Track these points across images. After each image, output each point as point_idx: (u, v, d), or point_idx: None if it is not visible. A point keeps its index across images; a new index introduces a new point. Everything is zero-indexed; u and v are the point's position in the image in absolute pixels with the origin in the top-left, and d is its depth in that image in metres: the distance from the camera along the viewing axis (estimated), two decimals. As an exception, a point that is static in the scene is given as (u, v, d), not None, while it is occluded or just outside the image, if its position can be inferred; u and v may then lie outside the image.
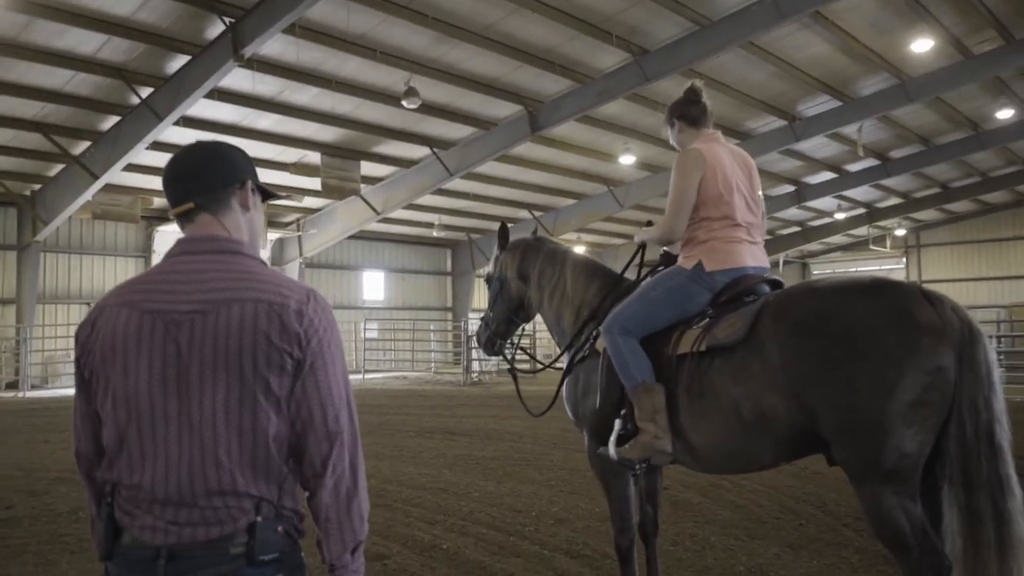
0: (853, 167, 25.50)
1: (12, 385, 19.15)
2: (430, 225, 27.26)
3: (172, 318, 1.68)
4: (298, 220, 24.60)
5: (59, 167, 17.91)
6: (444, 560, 5.00)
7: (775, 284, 3.59)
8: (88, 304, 22.43)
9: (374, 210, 22.21)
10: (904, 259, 37.05)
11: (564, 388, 4.05)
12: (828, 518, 5.91)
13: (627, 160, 20.80)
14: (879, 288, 2.94)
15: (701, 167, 3.55)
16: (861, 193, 29.05)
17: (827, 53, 16.45)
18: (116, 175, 17.00)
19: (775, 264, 34.59)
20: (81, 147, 16.82)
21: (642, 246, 4.12)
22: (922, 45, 15.48)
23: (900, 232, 35.50)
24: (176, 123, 15.17)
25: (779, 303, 3.14)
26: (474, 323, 18.74)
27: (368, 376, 22.59)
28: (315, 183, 19.48)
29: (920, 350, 2.73)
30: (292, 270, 24.82)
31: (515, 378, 4.68)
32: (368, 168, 20.37)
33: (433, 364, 26.48)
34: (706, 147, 3.65)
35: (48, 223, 18.61)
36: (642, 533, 4.08)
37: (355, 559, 1.75)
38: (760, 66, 16.68)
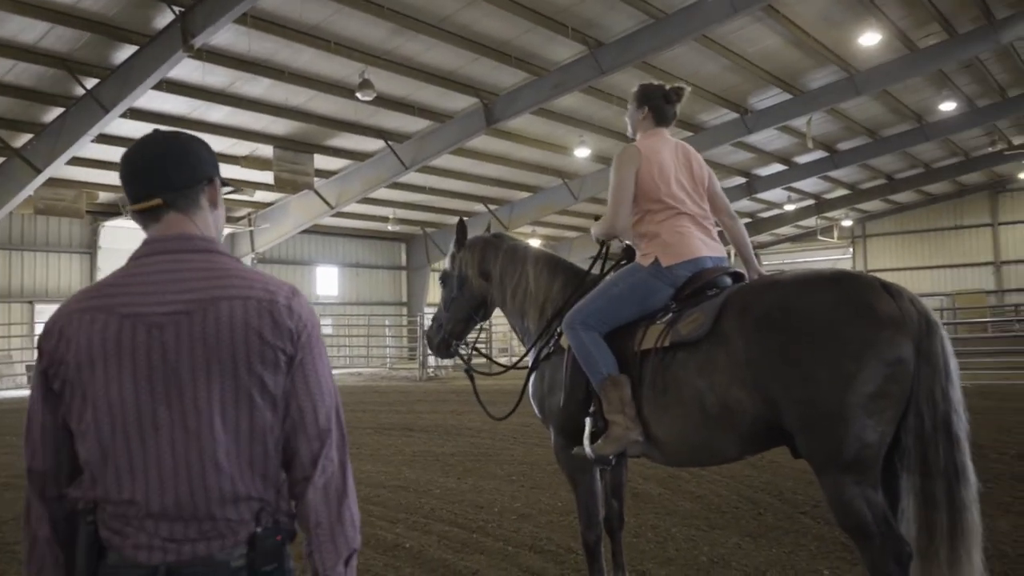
0: (802, 159, 26.00)
1: (-49, 386, 18.55)
2: (385, 219, 27.04)
3: (154, 320, 1.59)
4: (250, 215, 24.18)
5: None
6: (408, 559, 4.96)
7: (736, 276, 3.63)
8: (30, 303, 21.80)
9: (328, 204, 21.95)
10: (851, 249, 37.92)
11: (530, 385, 4.03)
12: (786, 507, 6.01)
13: (582, 153, 20.89)
14: (839, 281, 2.98)
15: (635, 161, 3.64)
16: (810, 185, 29.65)
17: (778, 47, 16.72)
18: (60, 169, 16.45)
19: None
20: (23, 140, 16.25)
21: (603, 242, 4.11)
22: (870, 39, 15.83)
23: (847, 223, 36.32)
24: (123, 115, 14.76)
25: (742, 297, 3.16)
26: (430, 318, 18.62)
27: (324, 371, 22.28)
28: (267, 177, 19.12)
29: (880, 342, 2.76)
30: (244, 265, 24.39)
31: (472, 379, 4.51)
32: (322, 161, 20.10)
33: (388, 360, 26.32)
34: (644, 143, 3.74)
35: (-12, 219, 18.01)
36: (608, 527, 4.10)
37: (348, 570, 1.67)
38: (713, 59, 16.88)
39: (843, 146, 25.17)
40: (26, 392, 18.81)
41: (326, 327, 26.31)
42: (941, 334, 2.84)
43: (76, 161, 17.11)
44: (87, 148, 16.03)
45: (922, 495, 2.74)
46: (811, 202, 32.85)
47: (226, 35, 13.39)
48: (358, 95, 15.30)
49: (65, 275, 22.60)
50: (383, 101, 16.72)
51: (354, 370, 24.03)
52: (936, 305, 27.34)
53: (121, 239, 23.22)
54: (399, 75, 15.91)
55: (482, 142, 20.10)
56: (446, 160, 20.93)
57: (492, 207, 26.24)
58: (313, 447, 1.67)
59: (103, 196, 21.64)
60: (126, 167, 1.75)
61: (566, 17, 14.51)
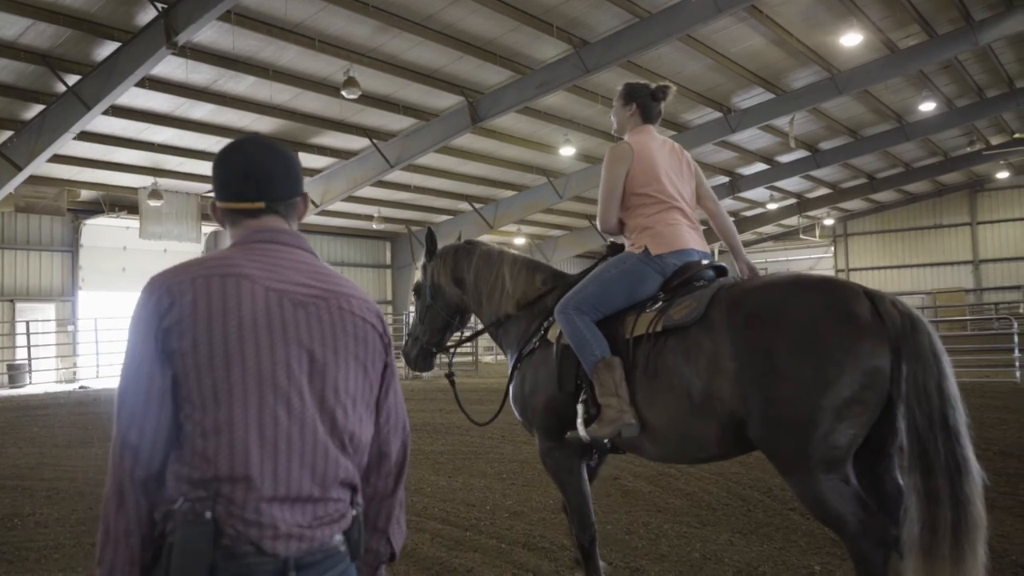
0: (785, 158, 26.20)
1: (-70, 386, 18.30)
2: (370, 218, 26.95)
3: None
4: (233, 212, 23.99)
5: (-21, 158, 17.12)
6: (402, 557, 4.96)
7: (720, 271, 3.71)
8: (11, 301, 21.53)
9: (312, 202, 21.77)
10: (832, 248, 38.23)
11: (511, 389, 4.00)
12: (775, 503, 6.07)
13: (567, 151, 20.92)
14: (826, 287, 3.04)
15: (628, 159, 3.73)
16: (792, 184, 29.87)
17: (761, 46, 16.84)
18: (41, 166, 16.28)
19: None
20: (3, 137, 16.05)
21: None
22: (851, 39, 15.97)
23: (828, 222, 36.63)
24: (105, 112, 14.64)
25: (735, 291, 3.22)
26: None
27: (308, 370, 22.21)
28: (251, 175, 19.00)
29: (861, 351, 2.82)
30: (227, 263, 24.21)
31: (453, 385, 4.47)
32: (306, 159, 20.00)
33: (374, 357, 26.22)
34: (635, 139, 3.82)
35: (-33, 217, 17.78)
36: None
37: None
38: (697, 58, 16.97)
39: (825, 145, 25.39)
40: (7, 392, 18.58)
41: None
42: (928, 331, 2.87)
43: (57, 159, 16.96)
44: (69, 145, 15.88)
45: (924, 491, 2.73)
46: (793, 201, 33.10)
47: (210, 32, 13.30)
48: (343, 93, 15.24)
49: (47, 273, 22.34)
50: (368, 99, 16.67)
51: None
52: (916, 303, 27.62)
53: (103, 237, 23.03)
54: (384, 73, 15.87)
55: (467, 140, 20.09)
56: (431, 158, 20.91)
57: (477, 206, 26.23)
58: (400, 454, 1.83)
59: (85, 194, 21.45)
60: (235, 166, 1.80)
61: (551, 16, 14.54)
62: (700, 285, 3.49)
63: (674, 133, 21.19)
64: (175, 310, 1.53)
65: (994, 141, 27.30)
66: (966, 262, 34.66)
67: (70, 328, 22.45)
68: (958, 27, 16.75)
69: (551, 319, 3.84)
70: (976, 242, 34.58)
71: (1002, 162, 29.44)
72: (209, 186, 21.27)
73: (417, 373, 21.39)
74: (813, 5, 15.06)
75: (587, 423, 3.55)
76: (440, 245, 4.58)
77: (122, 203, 21.95)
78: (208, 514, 1.46)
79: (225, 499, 1.48)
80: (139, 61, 12.94)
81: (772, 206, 32.52)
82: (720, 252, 36.98)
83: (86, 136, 15.72)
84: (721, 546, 5.03)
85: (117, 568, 1.51)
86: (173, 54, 12.94)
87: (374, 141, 19.38)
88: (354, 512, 1.64)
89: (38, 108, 15.15)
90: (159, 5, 12.29)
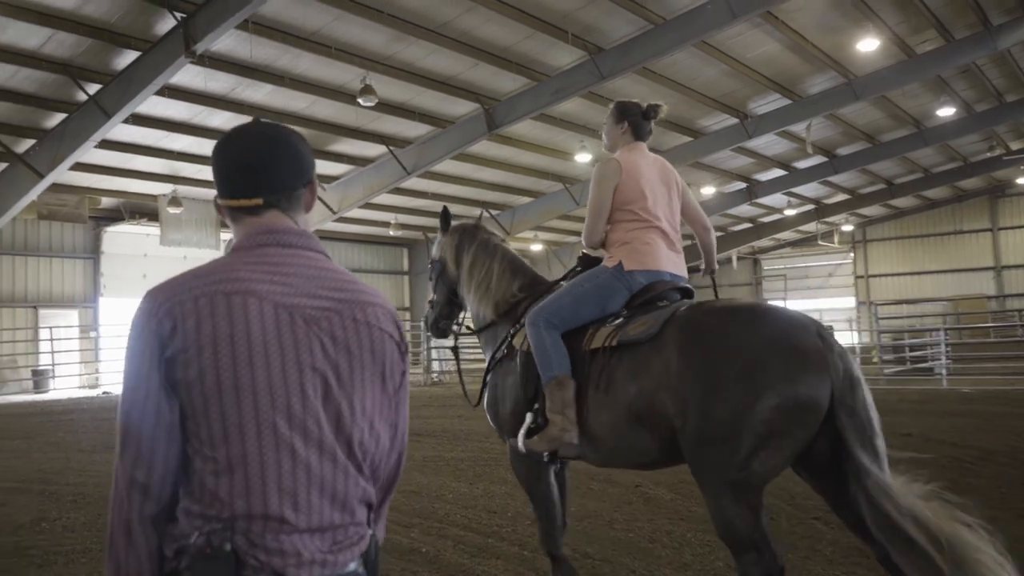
0: (802, 164, 26.03)
1: (-46, 392, 18.50)
2: (387, 224, 27.06)
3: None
4: (251, 220, 24.15)
5: (2, 166, 17.28)
6: (425, 564, 4.97)
7: (686, 292, 3.79)
8: (34, 308, 21.76)
9: (330, 209, 21.94)
10: (851, 254, 37.94)
11: (485, 396, 4.12)
12: (797, 512, 6.02)
13: (583, 158, 20.90)
14: (781, 319, 3.09)
15: (616, 176, 3.81)
16: (810, 190, 29.68)
17: (777, 52, 16.76)
18: (62, 174, 16.49)
19: (727, 260, 35.17)
20: (25, 145, 16.27)
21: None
22: (868, 45, 15.86)
23: (847, 228, 36.34)
24: (125, 120, 14.79)
25: (691, 312, 3.28)
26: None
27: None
28: (269, 182, 19.13)
29: (800, 385, 2.86)
30: (245, 270, 24.41)
31: (457, 358, 4.67)
32: (323, 167, 20.11)
33: (390, 364, 26.28)
34: (624, 157, 3.89)
35: (-9, 224, 17.98)
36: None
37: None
38: (712, 64, 16.92)
39: (843, 151, 25.22)
40: (32, 397, 18.77)
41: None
42: (863, 390, 2.95)
43: (79, 166, 17.15)
44: (90, 153, 16.06)
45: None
46: (811, 207, 32.88)
47: (227, 41, 13.42)
48: (359, 100, 15.33)
49: (69, 280, 22.59)
50: (384, 106, 16.74)
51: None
52: (938, 310, 27.36)
53: (124, 244, 23.27)
54: (400, 80, 15.94)
55: (483, 147, 20.13)
56: (448, 165, 20.96)
57: (494, 212, 26.26)
58: (394, 468, 1.74)
59: (106, 201, 21.66)
60: (230, 159, 1.63)
61: (566, 23, 14.55)
62: (662, 305, 3.57)
63: (690, 139, 21.15)
64: (178, 337, 1.42)
65: (1014, 146, 27.01)
66: (987, 268, 34.26)
67: (92, 334, 22.69)
68: (976, 32, 16.59)
69: (519, 325, 3.93)
70: (997, 248, 34.17)
71: (1022, 167, 29.13)
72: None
73: (436, 380, 21.45)
74: (829, 11, 14.98)
75: (529, 434, 3.65)
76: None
77: (142, 210, 22.17)
78: (228, 546, 1.39)
79: (243, 529, 1.41)
80: (158, 70, 13.10)
81: (790, 212, 32.32)
82: (738, 259, 36.96)
83: (107, 144, 15.88)
84: (745, 554, 4.98)
85: None
86: (192, 63, 13.07)
87: (391, 148, 19.46)
88: (371, 531, 1.59)
89: (60, 117, 15.34)
90: (178, 15, 12.42)
